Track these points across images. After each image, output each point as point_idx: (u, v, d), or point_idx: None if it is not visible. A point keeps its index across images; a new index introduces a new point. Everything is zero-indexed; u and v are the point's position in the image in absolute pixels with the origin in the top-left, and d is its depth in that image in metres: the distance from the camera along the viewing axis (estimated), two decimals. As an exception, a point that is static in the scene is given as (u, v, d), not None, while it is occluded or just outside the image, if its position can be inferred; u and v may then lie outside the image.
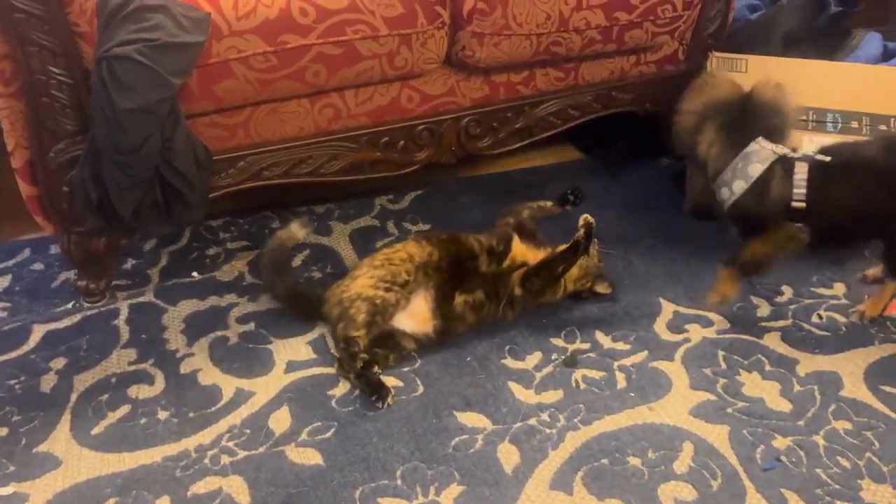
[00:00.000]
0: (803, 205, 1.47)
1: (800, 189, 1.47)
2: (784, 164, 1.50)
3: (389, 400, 1.40)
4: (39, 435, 1.35)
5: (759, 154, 1.51)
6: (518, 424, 1.37)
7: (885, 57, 2.13)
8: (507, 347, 1.54)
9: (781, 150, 1.51)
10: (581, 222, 1.55)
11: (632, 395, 1.43)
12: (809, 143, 1.73)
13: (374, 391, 1.39)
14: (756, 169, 1.50)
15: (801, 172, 1.48)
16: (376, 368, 1.42)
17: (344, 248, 1.84)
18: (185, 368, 1.49)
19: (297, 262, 1.78)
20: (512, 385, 1.45)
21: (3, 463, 1.29)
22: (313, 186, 1.85)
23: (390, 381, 1.45)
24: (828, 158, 1.48)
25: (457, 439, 1.34)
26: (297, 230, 1.67)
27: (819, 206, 1.47)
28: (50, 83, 1.36)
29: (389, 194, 2.04)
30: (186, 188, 1.47)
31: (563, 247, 1.56)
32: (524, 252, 1.60)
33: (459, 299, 1.52)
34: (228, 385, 1.45)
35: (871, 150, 1.49)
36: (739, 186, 1.51)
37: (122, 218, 1.48)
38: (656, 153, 2.23)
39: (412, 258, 1.53)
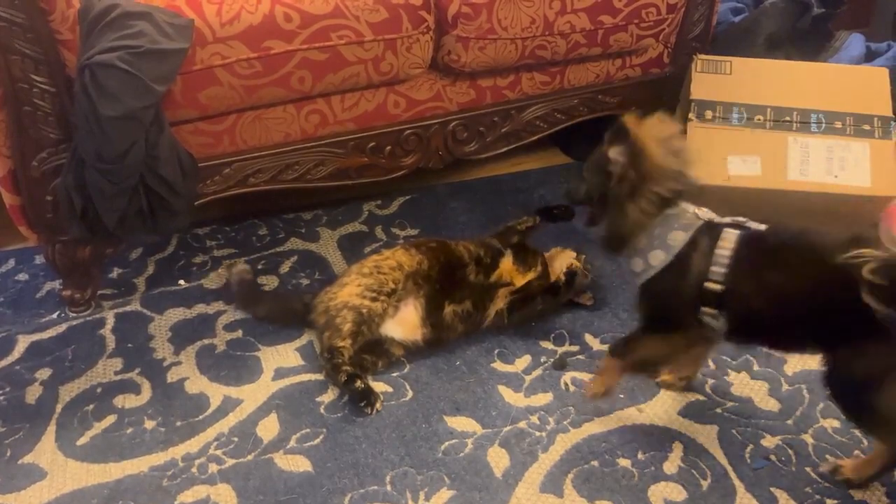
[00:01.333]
0: (720, 287, 1.18)
1: (720, 266, 1.18)
2: (711, 233, 1.21)
3: (378, 406, 1.39)
4: (25, 446, 1.33)
5: (681, 218, 1.23)
6: (508, 428, 1.36)
7: (868, 57, 2.15)
8: (496, 351, 1.53)
9: (706, 214, 1.24)
10: (564, 269, 1.57)
11: (621, 396, 1.43)
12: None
13: (361, 398, 1.39)
14: (677, 238, 1.20)
15: (725, 244, 1.19)
16: (358, 382, 1.40)
17: (332, 254, 1.84)
18: (172, 377, 1.47)
19: (284, 268, 1.77)
20: (501, 389, 1.45)
21: (-15, 476, 1.28)
22: (300, 192, 1.85)
23: (379, 386, 1.45)
24: (763, 227, 1.21)
25: (446, 444, 1.33)
26: (244, 266, 1.69)
27: (741, 289, 1.17)
28: (32, 91, 1.35)
29: (377, 200, 2.03)
30: (171, 196, 1.47)
31: (539, 279, 1.57)
32: (511, 271, 1.59)
33: (448, 309, 1.52)
34: (216, 393, 1.44)
35: (824, 240, 1.15)
36: (658, 258, 1.21)
37: (106, 227, 1.47)
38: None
39: (402, 266, 1.52)
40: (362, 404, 1.38)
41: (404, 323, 1.50)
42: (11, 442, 1.34)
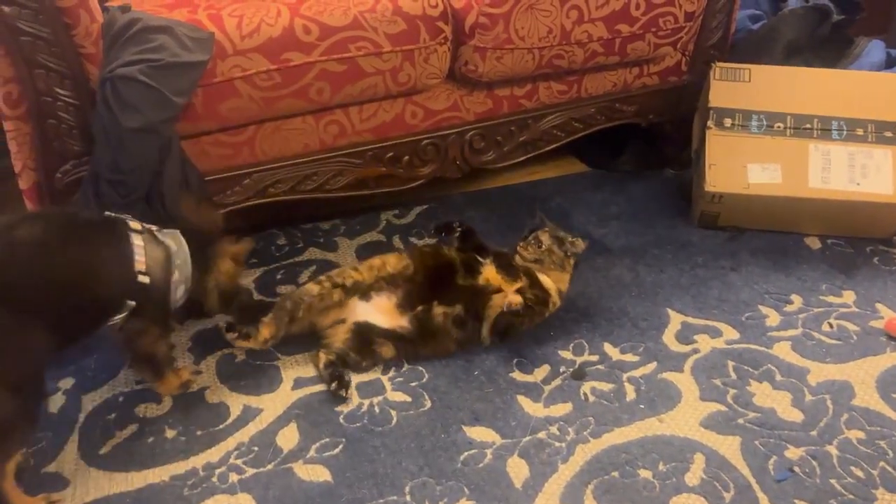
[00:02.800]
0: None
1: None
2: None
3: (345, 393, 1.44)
4: (48, 455, 1.34)
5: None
6: (527, 438, 1.36)
7: (889, 64, 2.13)
8: (514, 361, 1.53)
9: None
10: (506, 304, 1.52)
11: (641, 406, 1.42)
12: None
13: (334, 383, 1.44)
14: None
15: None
16: (335, 385, 1.44)
17: (350, 263, 1.84)
18: (192, 387, 1.48)
19: (303, 278, 1.78)
20: (520, 399, 1.44)
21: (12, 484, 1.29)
22: (319, 203, 1.86)
23: (398, 396, 1.45)
24: None
25: (466, 454, 1.33)
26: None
27: None
28: (56, 105, 1.37)
29: (395, 209, 2.04)
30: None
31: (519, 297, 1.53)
32: (496, 277, 1.56)
33: (438, 310, 1.51)
34: (236, 402, 1.45)
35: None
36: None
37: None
38: (661, 164, 2.23)
39: (383, 267, 1.55)
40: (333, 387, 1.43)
41: (380, 309, 1.52)
42: (35, 451, 1.35)
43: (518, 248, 1.64)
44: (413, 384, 1.48)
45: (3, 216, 1.21)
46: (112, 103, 1.33)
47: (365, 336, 1.50)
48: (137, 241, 1.28)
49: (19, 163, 1.44)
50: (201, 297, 1.43)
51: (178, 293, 1.36)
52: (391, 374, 1.50)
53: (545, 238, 1.62)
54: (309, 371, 1.52)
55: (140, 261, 1.27)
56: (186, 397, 1.46)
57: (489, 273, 1.57)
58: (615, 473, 1.29)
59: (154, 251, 1.31)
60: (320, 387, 1.48)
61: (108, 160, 1.39)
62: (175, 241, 1.35)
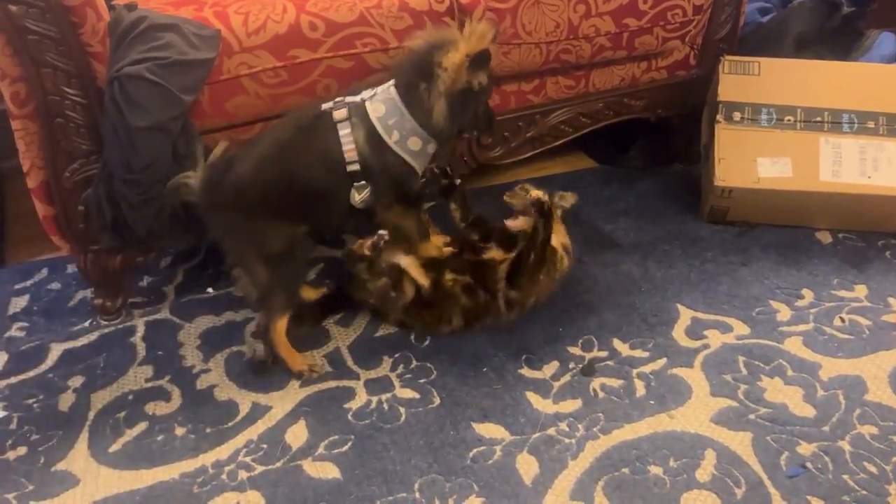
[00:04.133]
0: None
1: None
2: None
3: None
4: (58, 453, 1.35)
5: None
6: (536, 435, 1.35)
7: (900, 56, 2.11)
8: (523, 357, 1.52)
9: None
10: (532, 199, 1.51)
11: (651, 402, 1.41)
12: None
13: None
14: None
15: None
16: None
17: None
18: (201, 384, 1.48)
19: (311, 275, 1.78)
20: (529, 395, 1.44)
21: (22, 482, 1.30)
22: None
23: (406, 392, 1.44)
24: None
25: (475, 451, 1.32)
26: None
27: None
28: (64, 104, 1.37)
29: (402, 206, 2.03)
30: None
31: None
32: (500, 254, 1.58)
33: (449, 276, 1.54)
34: (245, 400, 1.45)
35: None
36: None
37: (136, 235, 1.49)
38: (670, 159, 2.21)
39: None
40: None
41: (409, 263, 1.56)
42: (45, 449, 1.36)
43: (505, 198, 1.65)
44: (422, 381, 1.48)
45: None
46: (120, 102, 1.33)
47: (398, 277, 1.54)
48: (343, 130, 1.39)
49: (27, 162, 1.44)
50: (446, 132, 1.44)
51: (412, 146, 1.42)
52: (399, 370, 1.50)
53: (531, 187, 1.61)
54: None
55: (349, 149, 1.39)
56: (195, 395, 1.46)
57: (494, 253, 1.58)
58: (625, 470, 1.28)
59: (358, 133, 1.39)
60: (328, 384, 1.48)
61: (121, 159, 1.39)
62: (383, 103, 1.41)
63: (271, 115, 1.58)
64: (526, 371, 1.49)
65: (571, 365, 1.50)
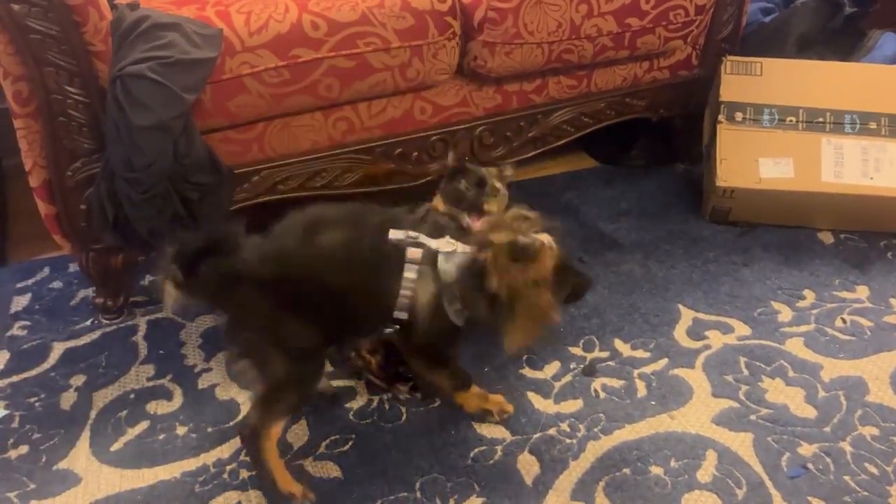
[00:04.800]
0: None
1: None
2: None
3: None
4: (60, 452, 1.35)
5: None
6: (538, 435, 1.35)
7: (902, 56, 2.11)
8: (524, 357, 1.52)
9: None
10: None
11: (652, 403, 1.41)
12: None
13: None
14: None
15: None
16: None
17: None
18: (203, 383, 1.49)
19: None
20: (531, 395, 1.44)
21: (24, 481, 1.30)
22: (327, 199, 1.85)
23: (408, 392, 1.44)
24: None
25: (476, 450, 1.33)
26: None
27: None
28: (66, 102, 1.37)
29: (404, 206, 2.03)
30: (206, 201, 1.48)
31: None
32: None
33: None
34: (246, 399, 1.44)
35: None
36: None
37: (138, 235, 1.49)
38: (671, 159, 2.21)
39: None
40: None
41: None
42: (47, 448, 1.36)
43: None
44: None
45: (318, 208, 1.29)
46: (123, 101, 1.33)
47: None
48: (410, 273, 1.23)
49: (30, 161, 1.44)
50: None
51: (453, 314, 1.25)
52: (401, 369, 1.50)
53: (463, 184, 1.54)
54: (319, 368, 1.52)
55: (405, 295, 1.23)
56: (197, 394, 1.46)
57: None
58: (626, 470, 1.28)
59: (425, 286, 1.23)
60: (336, 382, 1.47)
61: (122, 158, 1.39)
62: (457, 268, 1.23)
63: (273, 114, 1.58)
64: (527, 371, 1.49)
65: (573, 365, 1.50)
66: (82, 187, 1.46)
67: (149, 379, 1.50)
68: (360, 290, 1.24)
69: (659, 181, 2.14)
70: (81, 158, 1.44)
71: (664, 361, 1.51)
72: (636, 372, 1.48)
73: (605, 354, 1.53)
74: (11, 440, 1.37)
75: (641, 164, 2.21)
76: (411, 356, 1.36)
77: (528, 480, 1.27)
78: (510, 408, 1.40)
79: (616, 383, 1.46)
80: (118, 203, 1.45)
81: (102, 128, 1.41)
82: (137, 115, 1.34)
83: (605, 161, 2.25)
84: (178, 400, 1.45)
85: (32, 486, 1.29)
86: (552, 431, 1.36)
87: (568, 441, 1.34)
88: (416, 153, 1.79)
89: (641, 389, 1.44)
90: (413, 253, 1.23)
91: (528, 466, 1.30)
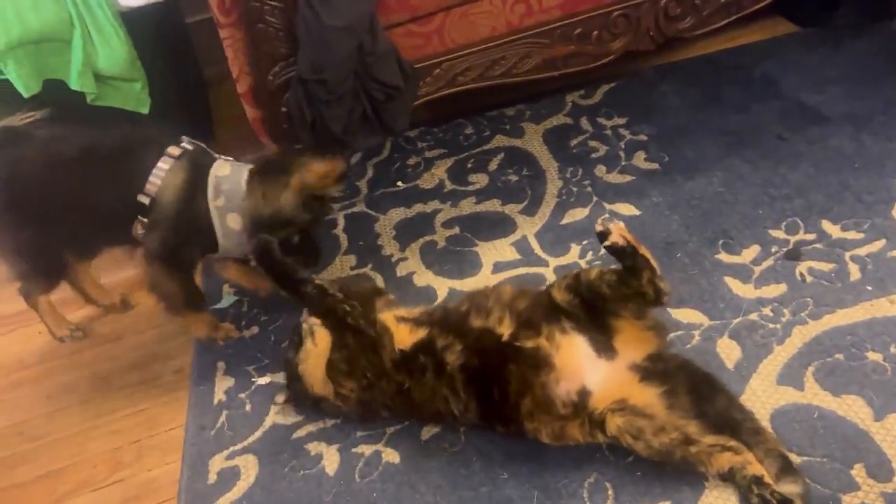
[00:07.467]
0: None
1: None
2: None
3: None
4: (286, 332, 1.48)
5: None
6: (738, 320, 1.32)
7: None
8: (720, 242, 1.47)
9: None
10: None
11: (868, 287, 1.32)
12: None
13: None
14: None
15: None
16: None
17: (538, 148, 1.82)
18: (401, 271, 1.58)
19: (493, 165, 1.79)
20: (728, 280, 1.39)
21: (258, 356, 1.47)
22: (501, 89, 1.83)
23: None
24: None
25: (672, 335, 1.31)
26: None
27: None
28: (264, 9, 1.44)
29: (580, 90, 1.97)
30: (392, 98, 1.52)
31: None
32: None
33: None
34: (442, 286, 1.53)
35: None
36: None
37: (333, 135, 1.57)
38: (886, 15, 1.93)
39: None
40: None
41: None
42: (274, 328, 1.51)
43: None
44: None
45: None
46: (315, 3, 1.38)
47: None
48: (163, 164, 1.33)
49: (236, 68, 1.54)
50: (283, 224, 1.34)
51: (229, 222, 1.34)
52: (588, 257, 1.49)
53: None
54: (506, 255, 1.56)
55: (152, 182, 1.32)
56: (397, 281, 1.56)
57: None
58: (839, 356, 1.22)
59: (175, 176, 1.33)
60: (518, 270, 1.51)
61: (311, 61, 1.45)
62: (232, 169, 1.35)
63: (452, 4, 1.56)
64: (723, 256, 1.44)
65: (774, 249, 1.43)
66: (282, 91, 1.55)
67: (352, 268, 1.62)
68: (94, 180, 1.34)
69: (871, 43, 1.89)
70: (280, 63, 1.52)
71: (881, 243, 1.39)
72: (848, 254, 1.38)
73: (811, 237, 1.43)
74: (244, 322, 1.56)
75: (851, 22, 1.95)
76: (148, 263, 1.38)
77: (730, 365, 1.25)
78: (236, 333, 1.50)
79: (825, 266, 1.37)
80: (314, 105, 1.53)
81: (295, 31, 1.47)
82: (328, 15, 1.38)
83: (807, 24, 2.01)
84: (380, 286, 1.56)
85: (266, 361, 1.46)
86: (753, 316, 1.32)
87: (771, 326, 1.29)
88: (596, 32, 1.71)
89: (855, 273, 1.35)
90: (173, 149, 1.34)
91: (728, 351, 1.27)
